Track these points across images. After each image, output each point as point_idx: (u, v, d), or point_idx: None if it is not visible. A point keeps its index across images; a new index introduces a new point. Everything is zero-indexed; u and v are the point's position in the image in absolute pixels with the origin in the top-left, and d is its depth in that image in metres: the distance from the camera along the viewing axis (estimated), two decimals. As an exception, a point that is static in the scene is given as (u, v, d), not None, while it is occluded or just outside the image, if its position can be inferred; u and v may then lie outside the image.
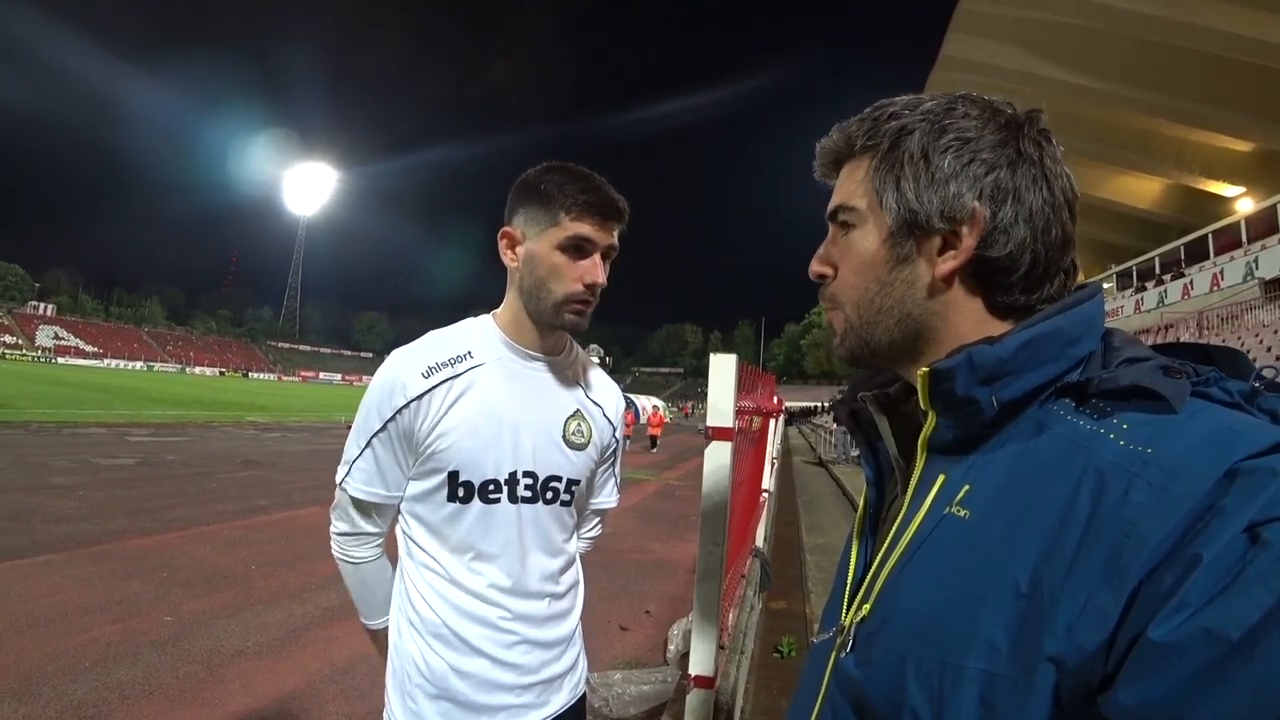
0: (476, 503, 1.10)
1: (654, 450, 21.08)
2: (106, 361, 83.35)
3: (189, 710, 2.93)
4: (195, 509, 6.91)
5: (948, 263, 0.59)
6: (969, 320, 0.60)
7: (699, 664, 1.51)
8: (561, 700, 1.20)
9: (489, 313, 1.22)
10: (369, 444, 1.10)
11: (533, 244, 1.10)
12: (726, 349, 1.93)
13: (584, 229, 1.07)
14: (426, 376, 1.09)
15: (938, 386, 0.56)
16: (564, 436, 1.18)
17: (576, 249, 1.08)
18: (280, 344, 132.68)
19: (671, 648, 3.87)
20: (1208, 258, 20.83)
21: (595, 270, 1.09)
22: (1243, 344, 14.68)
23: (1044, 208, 0.58)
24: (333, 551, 1.21)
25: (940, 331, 0.61)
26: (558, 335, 1.20)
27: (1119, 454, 0.48)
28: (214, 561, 5.13)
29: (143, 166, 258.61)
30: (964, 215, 0.58)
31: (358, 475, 1.12)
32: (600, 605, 4.73)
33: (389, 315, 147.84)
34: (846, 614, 0.63)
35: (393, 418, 1.08)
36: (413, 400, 1.08)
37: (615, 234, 1.12)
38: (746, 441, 3.31)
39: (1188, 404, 0.49)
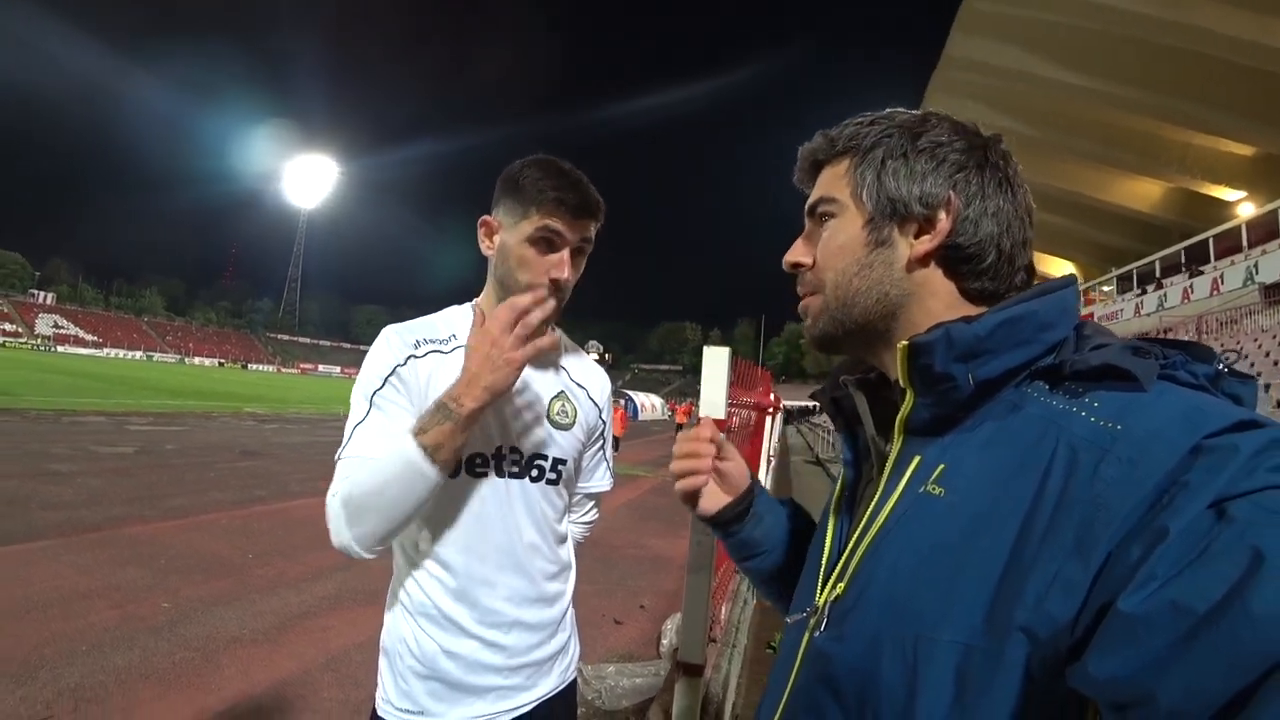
0: (464, 476, 1.11)
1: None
2: (106, 351, 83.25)
3: (184, 695, 2.95)
4: (194, 497, 6.94)
5: (924, 245, 0.63)
6: (942, 302, 0.64)
7: (688, 653, 1.54)
8: (551, 684, 1.21)
9: (471, 301, 1.25)
10: (371, 406, 1.09)
11: (506, 234, 1.12)
12: (726, 346, 1.95)
13: (554, 223, 1.09)
14: (417, 347, 1.13)
15: (916, 361, 0.59)
16: (549, 416, 1.20)
17: (546, 242, 1.10)
18: (279, 336, 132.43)
19: (665, 642, 3.89)
20: (1208, 261, 20.84)
21: (562, 265, 1.10)
22: (1241, 349, 14.70)
23: (1007, 208, 0.63)
24: (328, 515, 1.04)
25: (914, 311, 0.64)
26: None
27: (1090, 430, 0.50)
28: (212, 549, 5.16)
29: (145, 157, 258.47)
30: (939, 202, 0.63)
31: (360, 439, 1.07)
32: (595, 599, 4.75)
33: (388, 308, 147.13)
34: (820, 594, 0.64)
35: (393, 372, 1.10)
36: (409, 359, 1.11)
37: (589, 230, 1.14)
38: (741, 437, 3.33)
39: (1156, 384, 0.51)
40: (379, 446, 1.03)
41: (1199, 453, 0.45)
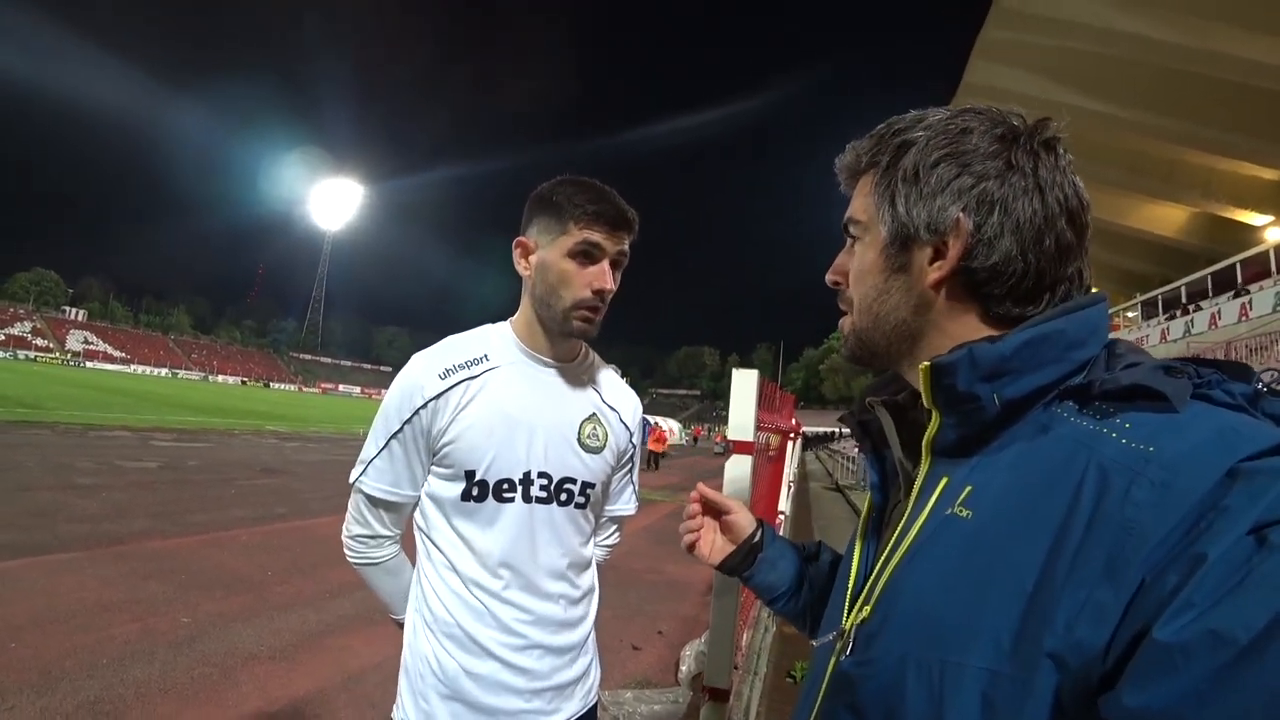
0: (491, 501, 1.12)
1: (655, 469, 20.59)
2: (133, 367, 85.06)
3: (202, 710, 2.95)
4: (215, 514, 7.00)
5: (935, 273, 0.61)
6: (963, 328, 0.61)
7: (714, 677, 1.50)
8: (573, 708, 1.19)
9: (506, 320, 1.25)
10: (387, 444, 1.13)
11: (544, 252, 1.14)
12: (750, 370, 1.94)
13: (593, 235, 1.10)
14: (443, 378, 1.12)
15: (939, 382, 0.57)
16: (579, 439, 1.19)
17: (585, 255, 1.11)
18: (302, 355, 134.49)
19: (683, 668, 3.83)
20: (1235, 287, 20.46)
21: (603, 276, 1.12)
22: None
23: (1034, 218, 0.58)
24: (348, 557, 1.22)
25: (935, 338, 0.63)
26: (572, 342, 1.22)
27: (1121, 452, 0.48)
28: (231, 566, 5.18)
29: (177, 180, 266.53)
30: (948, 226, 0.60)
31: (373, 474, 1.15)
32: (613, 624, 4.69)
33: (409, 330, 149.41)
34: (847, 617, 0.63)
35: (410, 419, 1.11)
36: (430, 401, 1.11)
37: (625, 242, 1.15)
38: (764, 461, 3.30)
39: (1190, 405, 0.49)
40: (387, 488, 1.15)
41: (1237, 476, 0.43)
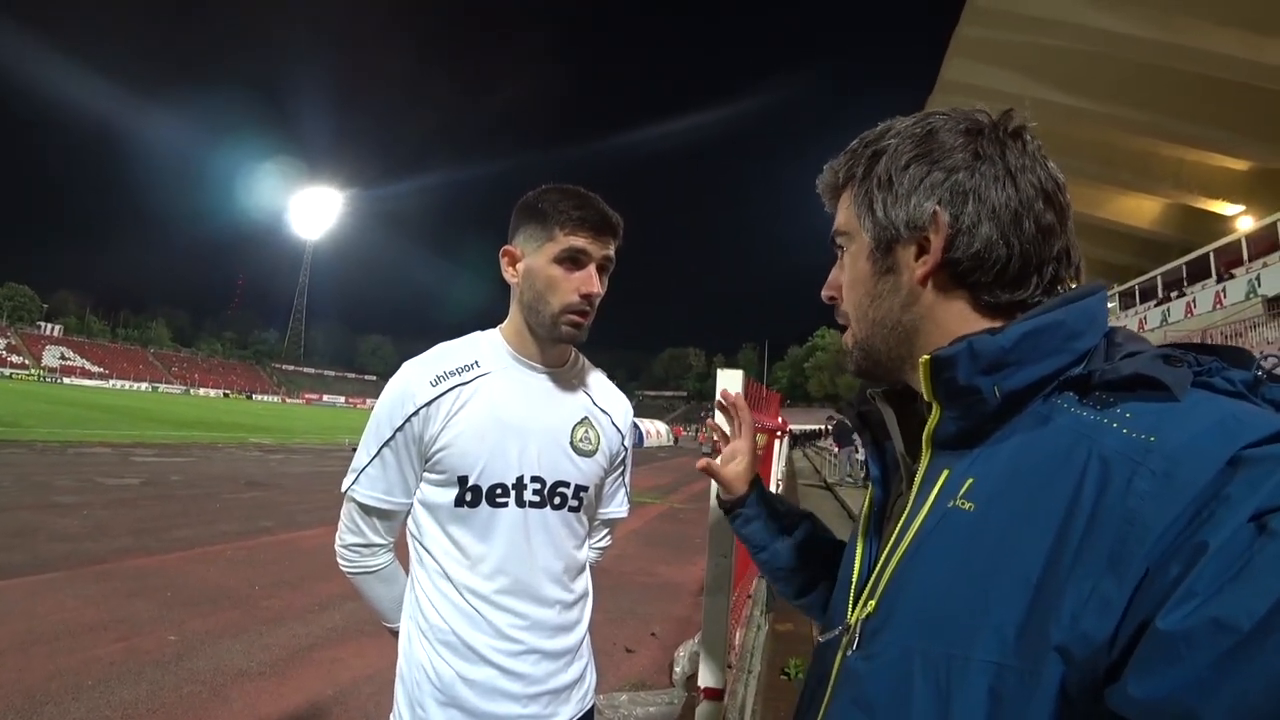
0: (484, 507, 1.12)
1: None
2: (112, 382, 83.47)
3: (192, 730, 2.90)
4: (199, 529, 6.89)
5: (921, 268, 0.62)
6: (956, 320, 0.62)
7: (708, 677, 1.51)
8: (569, 712, 1.20)
9: (495, 328, 1.26)
10: (379, 452, 1.14)
11: (531, 259, 1.15)
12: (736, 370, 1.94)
13: (578, 241, 1.12)
14: (434, 385, 1.13)
15: (939, 375, 0.58)
16: (571, 443, 1.20)
17: (572, 261, 1.13)
18: (285, 366, 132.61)
19: (677, 670, 3.83)
20: (1210, 276, 20.87)
21: (590, 281, 1.13)
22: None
23: (1009, 203, 0.59)
24: (341, 566, 1.22)
25: (931, 333, 0.63)
26: (561, 348, 1.23)
27: (1122, 442, 0.48)
28: (218, 581, 5.11)
29: (153, 192, 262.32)
30: (926, 221, 0.61)
31: (365, 482, 1.15)
32: (606, 627, 4.68)
33: (393, 338, 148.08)
34: (852, 612, 0.63)
35: (402, 426, 1.12)
36: (421, 408, 1.11)
37: (610, 247, 1.17)
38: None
39: (1190, 393, 0.49)
40: (379, 496, 1.15)
41: (1238, 464, 0.43)
